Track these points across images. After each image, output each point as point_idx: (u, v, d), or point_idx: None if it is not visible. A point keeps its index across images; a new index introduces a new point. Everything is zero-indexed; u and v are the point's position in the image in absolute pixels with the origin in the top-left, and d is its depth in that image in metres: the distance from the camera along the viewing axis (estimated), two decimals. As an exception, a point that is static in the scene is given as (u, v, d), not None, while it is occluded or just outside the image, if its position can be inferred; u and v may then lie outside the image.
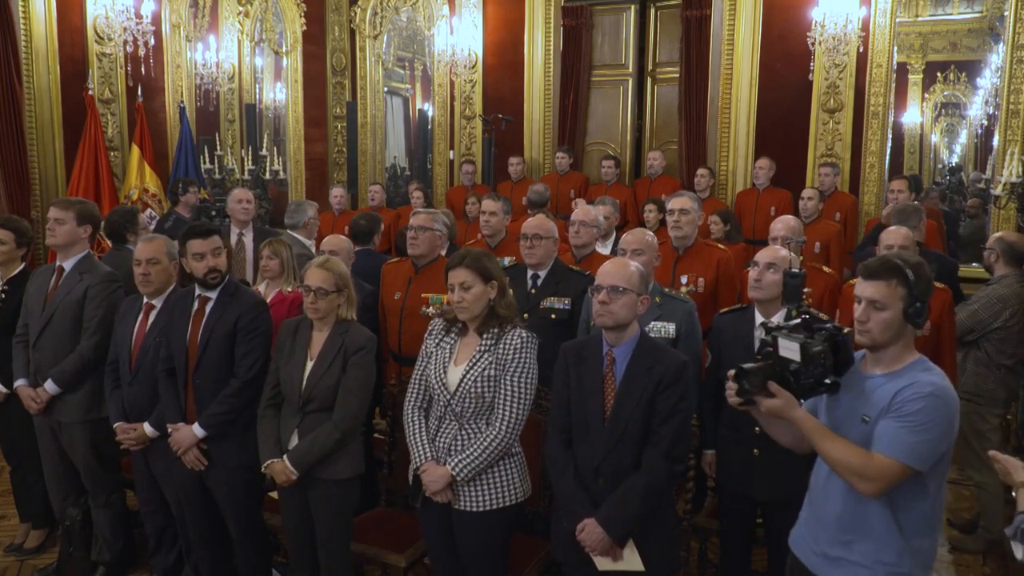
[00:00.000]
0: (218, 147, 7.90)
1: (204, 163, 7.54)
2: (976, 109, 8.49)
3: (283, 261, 3.94)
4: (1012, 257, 4.06)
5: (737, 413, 2.29)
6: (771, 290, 3.02)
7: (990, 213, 6.43)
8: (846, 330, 2.15)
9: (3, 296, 3.79)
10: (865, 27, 6.49)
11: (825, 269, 4.19)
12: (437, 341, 2.82)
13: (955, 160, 8.94)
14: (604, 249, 4.82)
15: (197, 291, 3.25)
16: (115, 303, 3.56)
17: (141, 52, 6.37)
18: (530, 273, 3.75)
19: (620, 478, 2.55)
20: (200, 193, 6.45)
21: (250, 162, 8.13)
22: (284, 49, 8.54)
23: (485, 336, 2.72)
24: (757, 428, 2.70)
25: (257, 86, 8.71)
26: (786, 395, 2.09)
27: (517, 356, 2.68)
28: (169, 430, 3.22)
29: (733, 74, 7.13)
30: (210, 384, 3.17)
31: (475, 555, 2.75)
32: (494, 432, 2.67)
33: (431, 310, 3.76)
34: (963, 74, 8.48)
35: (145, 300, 3.42)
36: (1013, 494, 2.20)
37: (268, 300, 3.71)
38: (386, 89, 9.25)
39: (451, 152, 8.57)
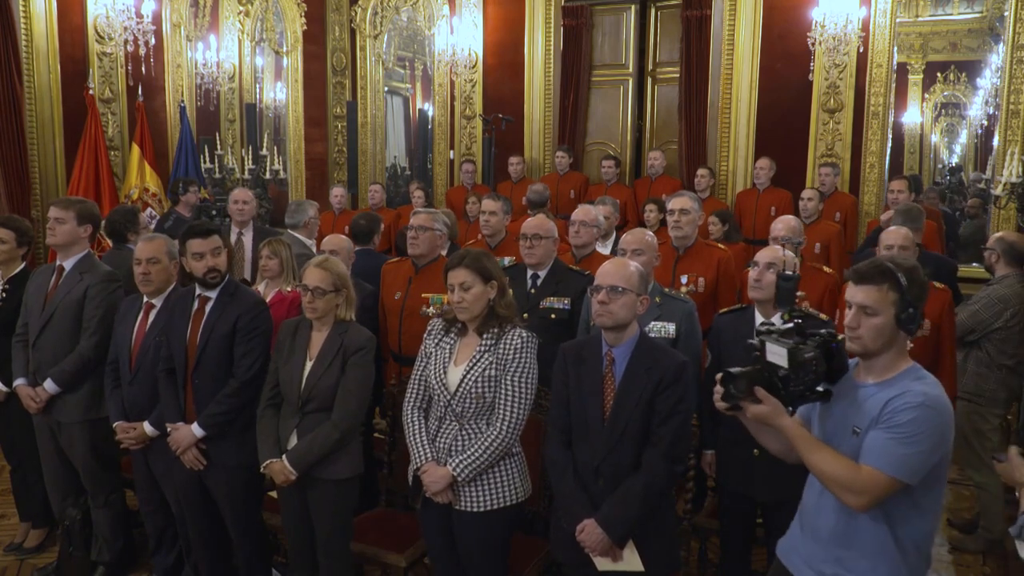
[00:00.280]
0: (218, 147, 7.90)
1: (204, 163, 7.55)
2: (976, 109, 8.50)
3: (282, 261, 3.94)
4: (1013, 257, 4.06)
5: (737, 413, 2.28)
6: (771, 290, 3.01)
7: (990, 213, 6.43)
8: (840, 336, 2.07)
9: (4, 295, 3.79)
10: (865, 27, 6.50)
11: (825, 269, 4.19)
12: (436, 341, 2.82)
13: (955, 160, 8.95)
14: (604, 249, 4.82)
15: (197, 291, 3.24)
16: (115, 303, 3.56)
17: (142, 51, 6.38)
18: (530, 273, 3.75)
19: (620, 479, 2.55)
20: (200, 193, 6.46)
21: (250, 162, 8.14)
22: (284, 49, 8.54)
23: (485, 336, 2.72)
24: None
25: (257, 86, 8.71)
26: (773, 402, 2.02)
27: (517, 356, 2.68)
28: (168, 430, 3.22)
29: (733, 74, 7.13)
30: (209, 384, 3.17)
31: (475, 555, 2.75)
32: (495, 432, 2.67)
33: (431, 310, 3.76)
34: (963, 74, 8.49)
35: (145, 299, 3.42)
36: (1016, 494, 2.20)
37: (267, 300, 3.71)
38: (386, 89, 9.26)
39: (451, 152, 8.57)
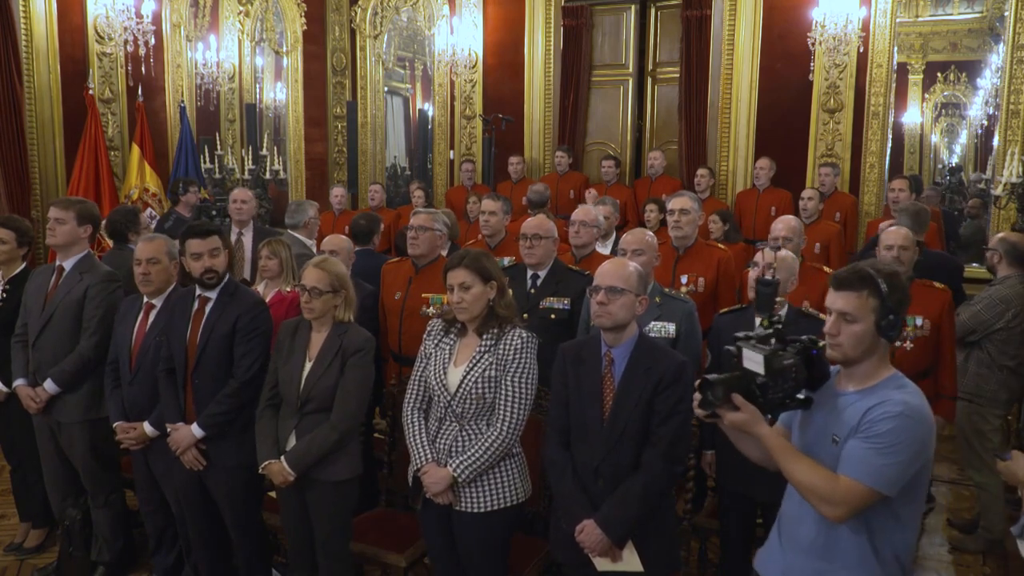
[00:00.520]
0: (218, 147, 7.90)
1: (204, 163, 7.55)
2: (976, 109, 8.49)
3: (282, 261, 3.94)
4: (1015, 258, 4.05)
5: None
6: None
7: (990, 213, 6.43)
8: (821, 343, 2.02)
9: (4, 296, 3.79)
10: (865, 27, 6.50)
11: (825, 269, 4.19)
12: (436, 342, 2.82)
13: (955, 160, 8.94)
14: (604, 249, 4.82)
15: (197, 291, 3.24)
16: (115, 303, 3.56)
17: (141, 52, 6.38)
18: (530, 273, 3.74)
19: (619, 479, 2.55)
20: (200, 193, 6.46)
21: (250, 162, 8.14)
22: (284, 49, 8.54)
23: (485, 336, 2.72)
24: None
25: (257, 86, 8.71)
26: (751, 409, 1.97)
27: (517, 356, 2.68)
28: (168, 430, 3.22)
29: (733, 74, 7.13)
30: (209, 384, 3.17)
31: (475, 555, 2.75)
32: (495, 433, 2.67)
33: (431, 310, 3.76)
34: (963, 74, 8.49)
35: (145, 300, 3.42)
36: (1019, 494, 2.19)
37: (267, 300, 3.71)
38: (386, 89, 9.25)
39: (451, 152, 8.57)
